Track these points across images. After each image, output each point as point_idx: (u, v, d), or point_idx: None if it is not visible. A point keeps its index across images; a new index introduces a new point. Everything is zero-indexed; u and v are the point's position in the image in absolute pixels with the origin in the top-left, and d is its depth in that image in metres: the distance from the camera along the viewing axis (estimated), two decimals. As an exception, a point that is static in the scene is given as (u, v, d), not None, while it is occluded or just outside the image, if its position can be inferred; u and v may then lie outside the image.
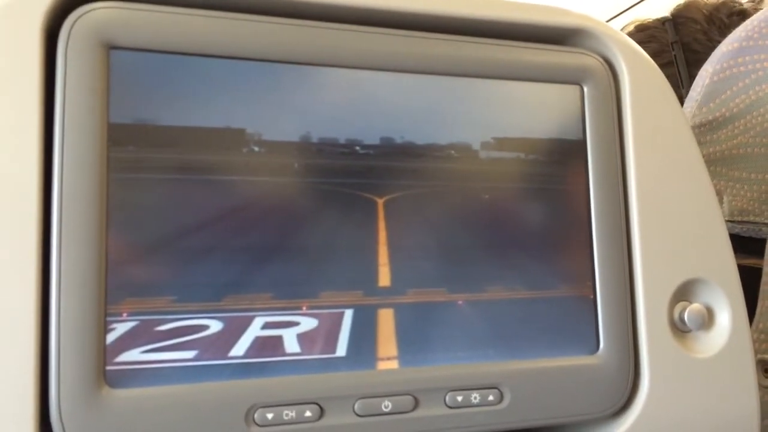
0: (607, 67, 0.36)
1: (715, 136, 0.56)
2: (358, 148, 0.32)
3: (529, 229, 0.34)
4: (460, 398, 0.32)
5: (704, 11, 0.87)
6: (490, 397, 0.32)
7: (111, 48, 0.28)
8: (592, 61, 0.36)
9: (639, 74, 0.36)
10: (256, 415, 0.29)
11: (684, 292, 0.36)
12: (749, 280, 0.44)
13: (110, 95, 0.28)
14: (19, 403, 0.26)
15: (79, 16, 0.28)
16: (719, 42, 0.58)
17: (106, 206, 0.28)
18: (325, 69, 0.32)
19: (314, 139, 0.31)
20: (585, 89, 0.36)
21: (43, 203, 0.27)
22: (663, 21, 0.89)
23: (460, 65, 0.33)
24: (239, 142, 0.30)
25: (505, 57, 0.34)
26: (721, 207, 0.56)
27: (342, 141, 0.31)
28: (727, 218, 0.57)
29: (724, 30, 0.83)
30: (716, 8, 0.87)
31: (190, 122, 0.29)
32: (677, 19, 0.88)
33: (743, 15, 0.85)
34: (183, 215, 0.29)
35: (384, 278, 0.31)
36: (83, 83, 0.28)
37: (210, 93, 0.30)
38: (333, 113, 0.31)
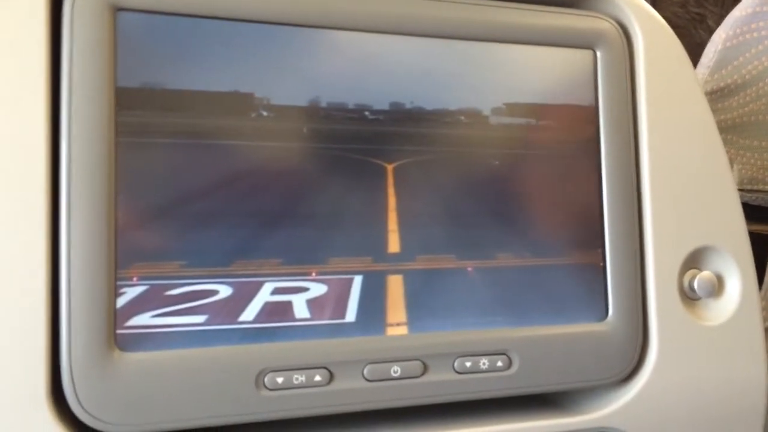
0: (620, 30, 0.35)
1: (726, 103, 0.56)
2: (367, 113, 0.31)
3: (539, 196, 0.34)
4: (468, 364, 0.32)
5: None
6: (499, 363, 0.32)
7: (117, 9, 0.28)
8: (605, 25, 0.35)
9: (653, 38, 0.36)
10: (266, 379, 0.29)
11: (694, 260, 0.36)
12: (758, 248, 0.44)
13: (117, 58, 0.28)
14: (31, 367, 0.26)
15: None
16: (697, 13, 0.56)
17: (114, 171, 0.27)
18: (334, 32, 0.31)
19: (323, 104, 0.31)
20: (598, 54, 0.35)
21: (51, 168, 0.27)
22: None
23: (471, 29, 0.33)
24: (248, 107, 0.29)
25: (516, 20, 0.34)
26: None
27: (351, 106, 0.31)
28: (737, 187, 0.56)
29: None
30: None
31: (198, 86, 0.29)
32: None
33: None
34: (192, 180, 0.29)
35: (393, 244, 0.31)
36: (89, 46, 0.27)
37: (218, 56, 0.29)
38: (342, 78, 0.31)
